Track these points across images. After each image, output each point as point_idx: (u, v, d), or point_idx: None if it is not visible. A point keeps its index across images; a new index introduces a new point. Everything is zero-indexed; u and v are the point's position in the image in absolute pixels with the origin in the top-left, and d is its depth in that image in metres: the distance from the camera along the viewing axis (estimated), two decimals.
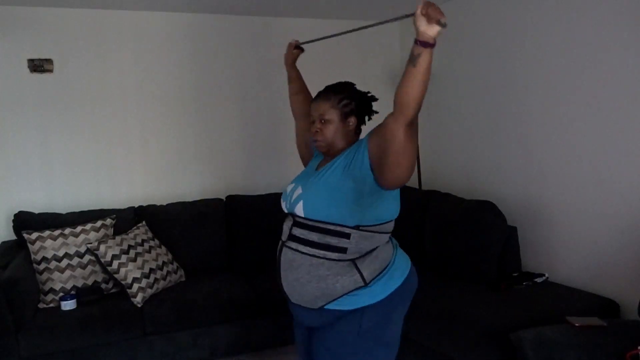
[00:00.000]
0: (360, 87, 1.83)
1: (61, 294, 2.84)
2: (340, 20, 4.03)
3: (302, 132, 2.03)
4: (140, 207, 3.40)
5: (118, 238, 2.98)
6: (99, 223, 3.07)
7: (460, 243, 2.98)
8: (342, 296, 1.62)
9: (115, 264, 2.85)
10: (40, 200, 3.33)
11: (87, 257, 2.95)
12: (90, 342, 2.66)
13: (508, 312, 2.44)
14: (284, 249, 1.71)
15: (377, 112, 1.83)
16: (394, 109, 1.47)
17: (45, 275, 2.85)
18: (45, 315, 2.72)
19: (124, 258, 2.88)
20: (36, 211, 3.18)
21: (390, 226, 1.71)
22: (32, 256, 2.87)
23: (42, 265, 2.86)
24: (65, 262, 2.89)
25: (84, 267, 2.93)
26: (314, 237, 1.62)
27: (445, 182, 3.76)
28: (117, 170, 3.54)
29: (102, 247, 2.87)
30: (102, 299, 2.88)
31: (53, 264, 2.87)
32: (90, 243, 2.94)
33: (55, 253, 2.88)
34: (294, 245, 1.67)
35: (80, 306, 2.80)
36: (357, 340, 1.64)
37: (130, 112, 3.56)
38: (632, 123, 2.50)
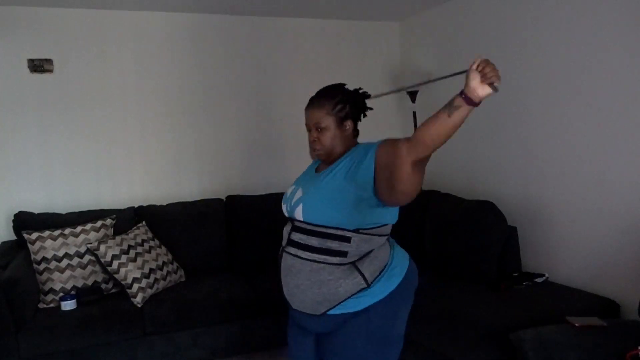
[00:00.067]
0: (360, 86, 1.82)
1: (61, 294, 2.84)
2: (340, 20, 4.04)
3: None
4: (140, 207, 3.40)
5: (118, 238, 2.98)
6: (99, 223, 3.07)
7: (460, 243, 2.97)
8: (345, 300, 1.61)
9: (115, 264, 2.85)
10: (40, 200, 3.33)
11: (87, 257, 2.95)
12: (90, 342, 2.66)
13: (508, 312, 2.44)
14: (284, 254, 1.69)
15: (371, 109, 1.82)
16: (413, 140, 1.45)
17: (45, 275, 2.85)
18: (45, 315, 2.72)
19: (124, 258, 2.88)
20: (36, 211, 3.18)
21: (388, 229, 1.71)
22: (32, 256, 2.87)
23: (42, 265, 2.86)
24: (65, 262, 2.89)
25: (84, 267, 2.93)
26: (313, 242, 1.61)
27: (445, 182, 3.76)
28: (117, 170, 3.54)
29: (102, 247, 2.87)
30: (102, 299, 2.88)
31: (53, 264, 2.87)
32: (90, 243, 2.94)
33: (55, 253, 2.88)
34: (293, 250, 1.66)
35: (80, 306, 2.80)
36: (366, 343, 1.63)
37: (130, 112, 3.56)
38: (632, 123, 2.50)
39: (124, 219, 3.22)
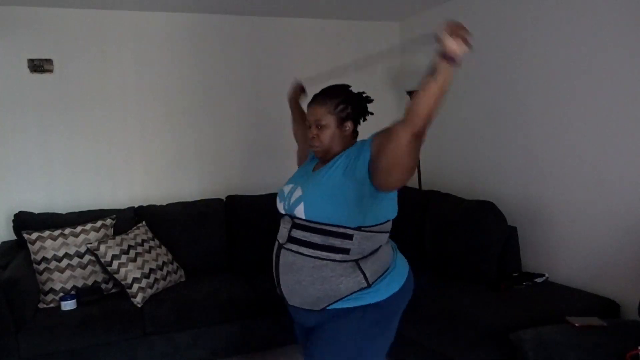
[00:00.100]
0: (360, 87, 1.82)
1: (61, 294, 2.84)
2: (340, 20, 4.04)
3: (303, 155, 2.07)
4: (140, 207, 3.40)
5: (118, 238, 2.98)
6: (99, 223, 3.07)
7: (460, 243, 2.97)
8: (346, 296, 1.62)
9: (115, 264, 2.85)
10: (40, 200, 3.33)
11: (87, 257, 2.95)
12: (90, 342, 2.66)
13: (508, 312, 2.44)
14: (283, 251, 1.69)
15: (372, 114, 1.83)
16: (406, 115, 1.46)
17: (45, 275, 2.85)
18: (45, 315, 2.72)
19: (124, 258, 2.88)
20: (36, 211, 3.18)
21: (389, 226, 1.72)
22: (32, 256, 2.87)
23: (42, 265, 2.86)
24: (65, 262, 2.89)
25: (84, 267, 2.93)
26: (316, 239, 1.62)
27: (445, 182, 3.76)
28: (117, 170, 3.54)
29: (102, 247, 2.87)
30: (102, 299, 2.88)
31: (53, 264, 2.87)
32: (90, 243, 2.94)
33: (55, 253, 2.88)
34: (294, 247, 1.66)
35: (80, 306, 2.80)
36: (356, 335, 1.64)
37: (130, 112, 3.56)
38: (632, 123, 2.50)
39: (124, 219, 3.22)
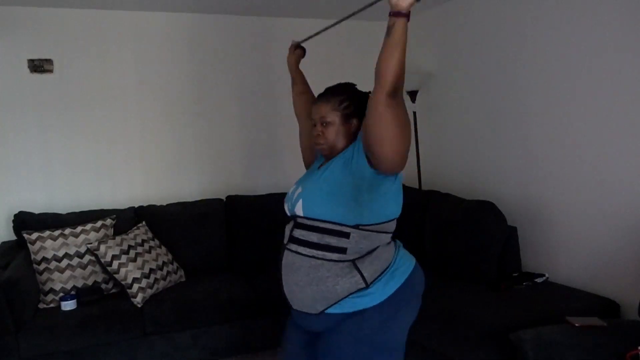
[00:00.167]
0: (359, 87, 1.83)
1: (61, 294, 2.84)
2: None
3: (307, 133, 1.98)
4: (140, 207, 3.40)
5: (118, 238, 2.98)
6: (99, 223, 3.07)
7: (460, 243, 2.97)
8: (342, 299, 1.60)
9: (115, 264, 2.85)
10: (40, 200, 3.33)
11: (87, 257, 2.95)
12: (90, 342, 2.66)
13: (508, 312, 2.44)
14: (285, 252, 1.69)
15: None
16: (374, 83, 1.50)
17: (45, 276, 2.85)
18: (45, 315, 2.72)
19: (124, 258, 2.88)
20: (36, 211, 3.18)
21: (390, 226, 1.69)
22: (32, 256, 2.87)
23: (42, 266, 2.86)
24: (65, 262, 2.89)
25: (84, 267, 2.93)
26: (313, 237, 1.61)
27: (445, 182, 3.76)
28: (117, 170, 3.54)
29: (102, 247, 2.87)
30: (102, 299, 2.88)
31: (53, 264, 2.87)
32: (90, 243, 2.94)
33: (55, 253, 2.88)
34: (294, 247, 1.65)
35: (80, 306, 2.80)
36: (355, 345, 1.59)
37: (130, 112, 3.56)
38: (632, 123, 2.50)
39: (124, 219, 3.22)
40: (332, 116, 1.72)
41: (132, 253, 2.93)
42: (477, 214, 2.95)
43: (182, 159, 3.71)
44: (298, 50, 2.15)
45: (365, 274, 1.60)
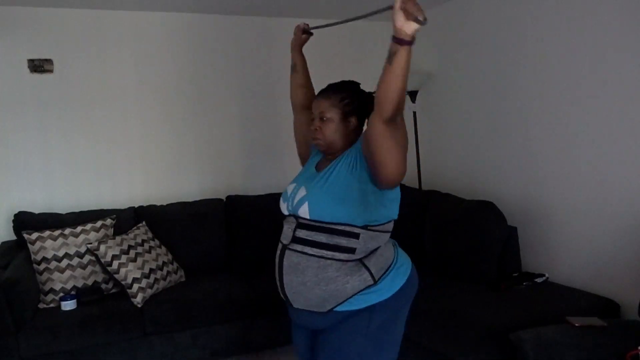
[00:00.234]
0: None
1: (61, 294, 2.84)
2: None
3: (301, 126, 1.96)
4: (140, 207, 3.40)
5: (118, 238, 2.98)
6: (99, 223, 3.07)
7: (460, 243, 2.98)
8: (352, 296, 1.61)
9: (115, 264, 2.85)
10: (40, 200, 3.33)
11: (87, 257, 2.94)
12: (90, 342, 2.66)
13: (508, 312, 2.44)
14: (287, 252, 1.67)
15: None
16: (375, 106, 1.47)
17: (45, 276, 2.85)
18: (45, 315, 2.72)
19: (124, 258, 2.88)
20: (36, 211, 3.18)
21: (391, 226, 1.71)
22: (32, 256, 2.87)
23: (42, 266, 2.86)
24: (65, 262, 2.89)
25: (84, 267, 2.93)
26: (321, 237, 1.60)
27: (445, 182, 3.76)
28: (117, 170, 3.54)
29: (102, 247, 2.87)
30: (102, 299, 2.88)
31: (53, 264, 2.87)
32: (90, 243, 2.94)
33: (55, 253, 2.88)
34: (299, 247, 1.63)
35: (80, 306, 2.80)
36: (364, 341, 1.62)
37: (130, 112, 3.56)
38: (632, 123, 2.50)
39: (124, 219, 3.22)
40: (332, 113, 1.71)
41: (132, 253, 2.93)
42: (477, 214, 2.95)
43: (182, 159, 3.71)
44: (305, 36, 2.04)
45: (372, 271, 1.62)
